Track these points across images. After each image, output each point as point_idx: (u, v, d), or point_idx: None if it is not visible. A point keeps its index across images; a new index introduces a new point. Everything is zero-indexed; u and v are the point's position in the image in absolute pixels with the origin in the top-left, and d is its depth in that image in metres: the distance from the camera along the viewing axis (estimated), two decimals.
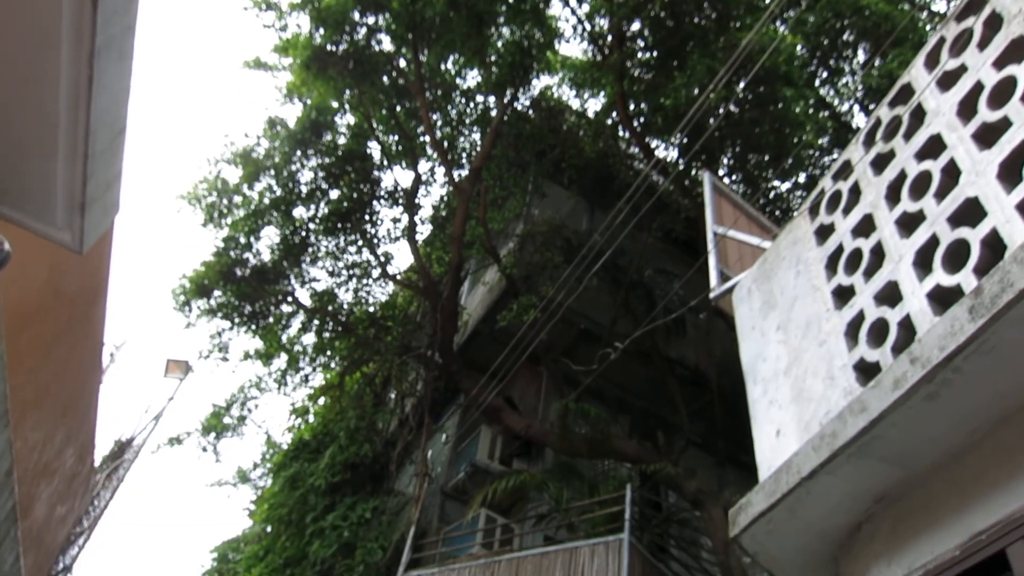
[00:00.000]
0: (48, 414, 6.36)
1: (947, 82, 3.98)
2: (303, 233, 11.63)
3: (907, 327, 3.57)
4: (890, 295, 3.79)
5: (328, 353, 12.79)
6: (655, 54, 11.72)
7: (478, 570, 7.83)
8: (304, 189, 12.28)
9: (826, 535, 3.82)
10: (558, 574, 7.23)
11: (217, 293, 11.45)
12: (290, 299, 11.98)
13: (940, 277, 3.46)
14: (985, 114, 3.60)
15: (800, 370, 4.22)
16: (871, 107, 11.72)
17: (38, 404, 5.93)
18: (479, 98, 13.21)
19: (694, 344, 13.67)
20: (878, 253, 4.01)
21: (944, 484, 3.31)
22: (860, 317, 3.93)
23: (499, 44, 12.17)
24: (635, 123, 12.23)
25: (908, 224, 3.87)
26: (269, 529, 12.90)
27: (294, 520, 10.52)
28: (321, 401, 14.50)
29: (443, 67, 12.77)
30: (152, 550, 49.17)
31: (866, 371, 3.72)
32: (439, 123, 13.01)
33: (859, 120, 13.51)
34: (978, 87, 3.72)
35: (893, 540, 3.47)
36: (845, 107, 13.87)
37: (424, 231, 13.36)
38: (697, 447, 12.80)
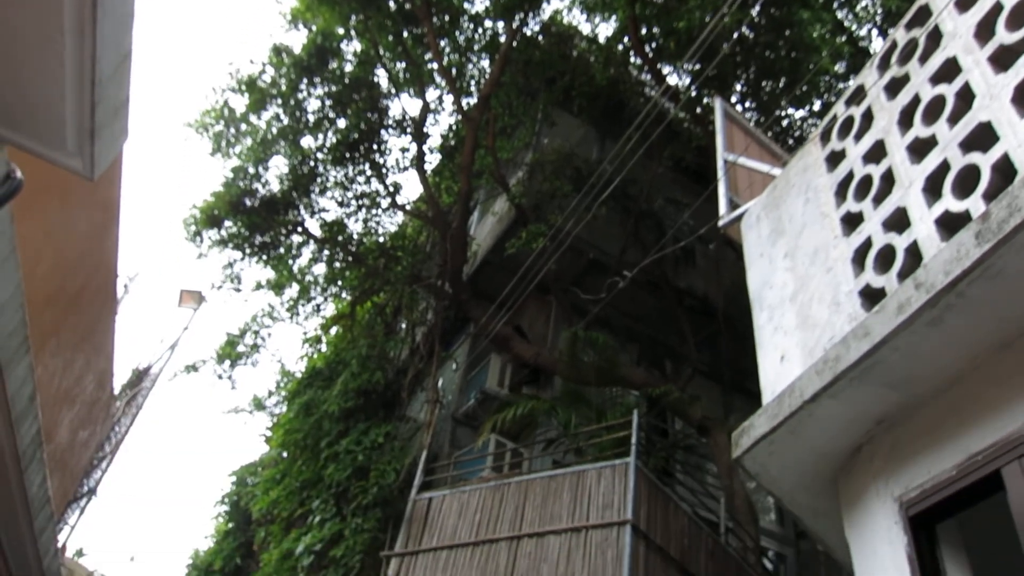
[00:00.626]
0: (66, 341, 6.49)
1: (965, 3, 3.89)
2: (311, 163, 11.57)
3: (914, 253, 3.58)
4: (898, 221, 3.79)
5: (339, 283, 12.89)
6: None
7: (488, 492, 8.07)
8: (311, 118, 12.16)
9: (826, 456, 3.92)
10: (566, 496, 7.46)
11: (228, 223, 11.51)
12: (300, 229, 12.02)
13: (949, 203, 3.46)
14: (1003, 36, 3.52)
15: (806, 296, 4.25)
16: (889, 31, 11.40)
17: (56, 332, 6.05)
18: (487, 23, 12.91)
19: (703, 274, 13.69)
20: (888, 179, 3.99)
21: (943, 407, 3.37)
22: (868, 243, 3.93)
23: None
24: (647, 48, 11.97)
25: (919, 150, 3.84)
26: (285, 454, 13.25)
27: (309, 445, 10.80)
28: (333, 331, 14.70)
29: None
30: (172, 475, 50.60)
31: (871, 297, 3.75)
32: (447, 50, 12.76)
33: (877, 45, 13.16)
34: (997, 8, 3.63)
35: (892, 461, 3.56)
36: (863, 31, 13.50)
37: (433, 161, 13.28)
38: (704, 376, 12.96)
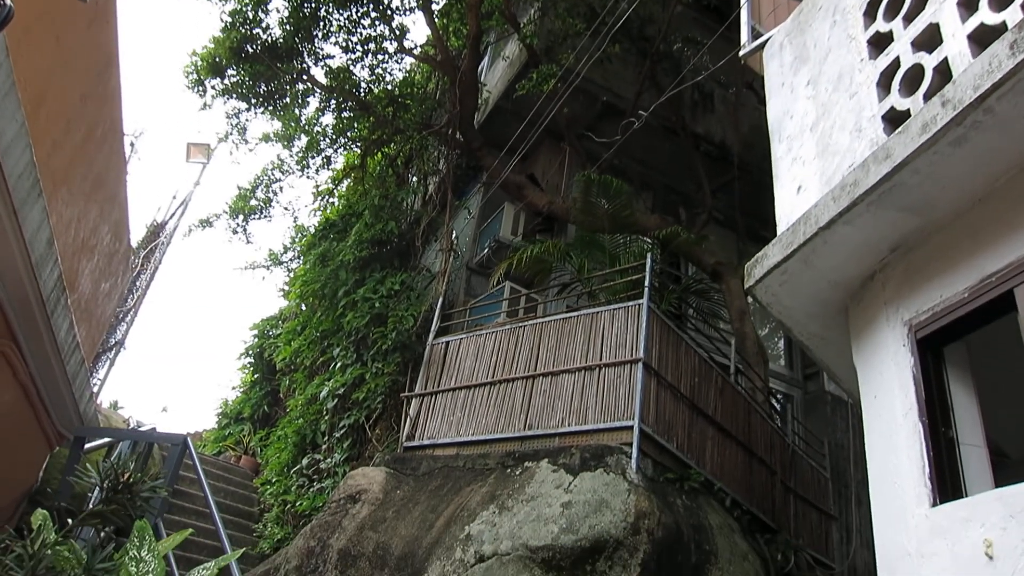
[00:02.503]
0: (78, 190, 6.49)
1: None
2: (313, 4, 11.05)
3: (943, 73, 3.43)
4: (929, 39, 3.61)
5: (348, 134, 12.67)
6: None
7: (504, 335, 8.27)
8: None
9: (838, 285, 3.94)
10: (579, 337, 7.63)
11: (231, 72, 11.18)
12: (305, 77, 11.67)
13: (985, 15, 3.27)
14: None
15: (827, 124, 4.13)
16: None
17: (66, 179, 6.04)
18: None
19: (721, 119, 13.32)
20: None
21: (959, 231, 3.34)
22: (895, 65, 3.77)
23: None
24: None
25: None
26: (304, 306, 13.56)
27: (327, 295, 11.01)
28: (344, 184, 14.63)
29: None
30: (196, 329, 52.16)
31: (895, 121, 3.63)
32: None
33: None
34: None
35: (904, 287, 3.57)
36: None
37: (439, 0, 12.64)
38: (718, 223, 12.91)
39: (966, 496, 3.02)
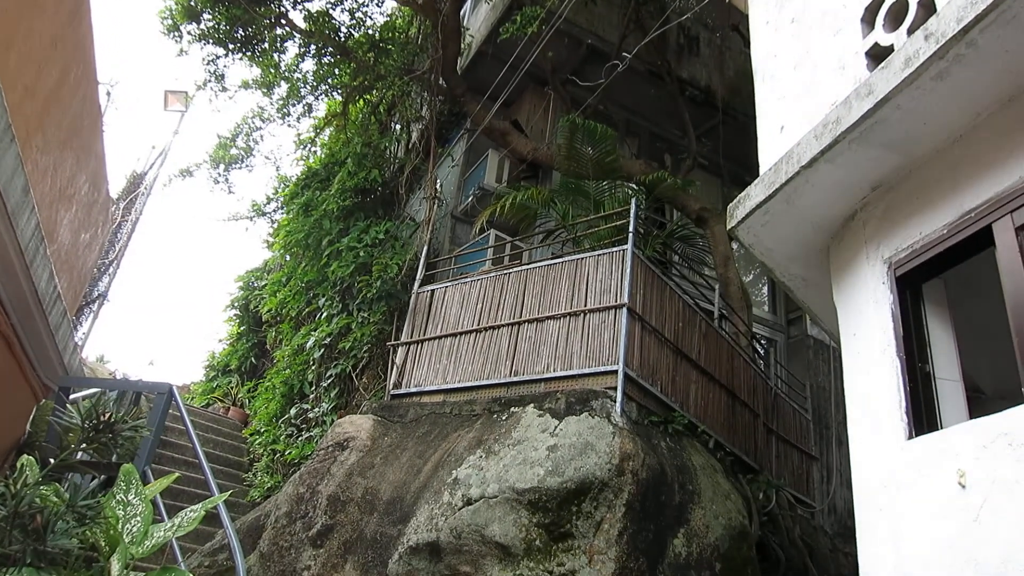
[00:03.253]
0: (53, 138, 6.36)
1: None
2: None
3: (927, 6, 3.38)
4: None
5: (329, 81, 12.43)
6: None
7: (489, 282, 8.27)
8: None
9: (819, 225, 3.95)
10: (564, 283, 7.65)
11: (206, 16, 10.88)
12: (283, 21, 11.38)
13: None
14: None
15: (811, 63, 4.09)
16: None
17: (41, 126, 5.91)
18: None
19: (706, 64, 13.17)
20: None
21: (940, 168, 3.34)
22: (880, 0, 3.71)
23: None
24: None
25: None
26: (288, 257, 13.48)
27: (311, 245, 10.94)
28: (327, 133, 14.42)
29: None
30: (180, 282, 51.78)
31: (878, 57, 3.60)
32: None
33: None
34: None
35: (884, 225, 3.58)
36: None
37: None
38: (703, 169, 12.87)
39: (941, 429, 3.08)
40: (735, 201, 4.09)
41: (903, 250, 3.41)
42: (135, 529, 3.00)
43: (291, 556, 6.51)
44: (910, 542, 2.89)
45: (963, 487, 2.70)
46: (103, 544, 2.88)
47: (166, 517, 4.36)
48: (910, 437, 3.07)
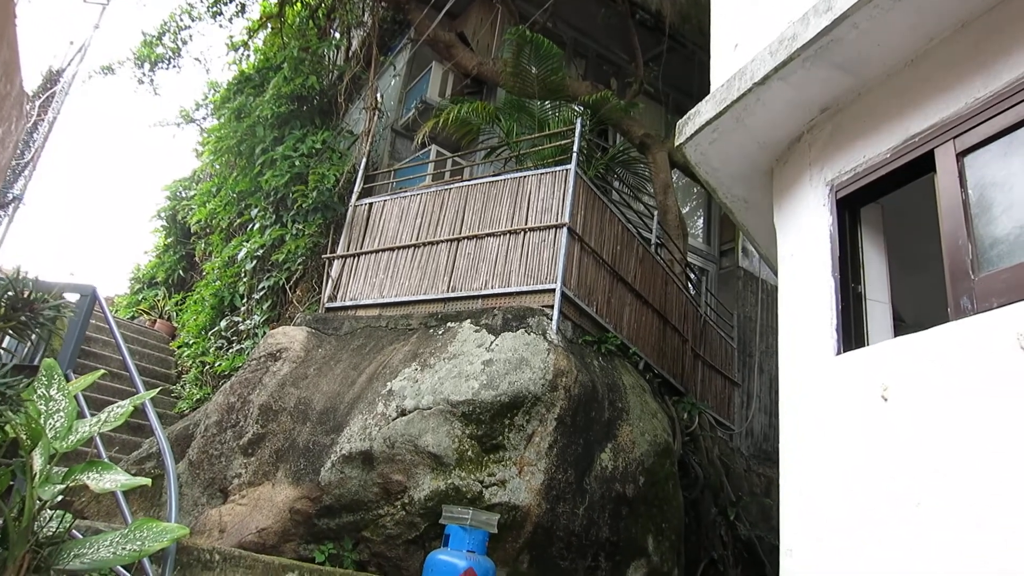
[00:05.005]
0: None
1: None
2: None
3: None
4: None
5: None
6: None
7: (429, 197, 8.14)
8: None
9: (766, 145, 3.97)
10: (505, 201, 7.58)
11: None
12: None
13: None
14: None
15: None
16: None
17: None
18: None
19: None
20: None
21: (888, 92, 3.37)
22: None
23: None
24: None
25: None
26: (219, 167, 12.95)
27: (243, 152, 10.50)
28: (261, 38, 13.72)
29: None
30: (103, 189, 49.23)
31: None
32: None
33: None
34: None
35: (829, 147, 3.62)
36: None
37: None
38: (648, 96, 12.80)
39: (869, 346, 3.20)
40: (684, 118, 4.07)
41: (846, 173, 3.46)
42: (58, 424, 2.90)
43: (221, 464, 6.47)
44: (833, 453, 3.03)
45: (885, 400, 2.82)
46: (24, 439, 2.77)
47: (88, 412, 4.24)
48: (839, 353, 3.18)
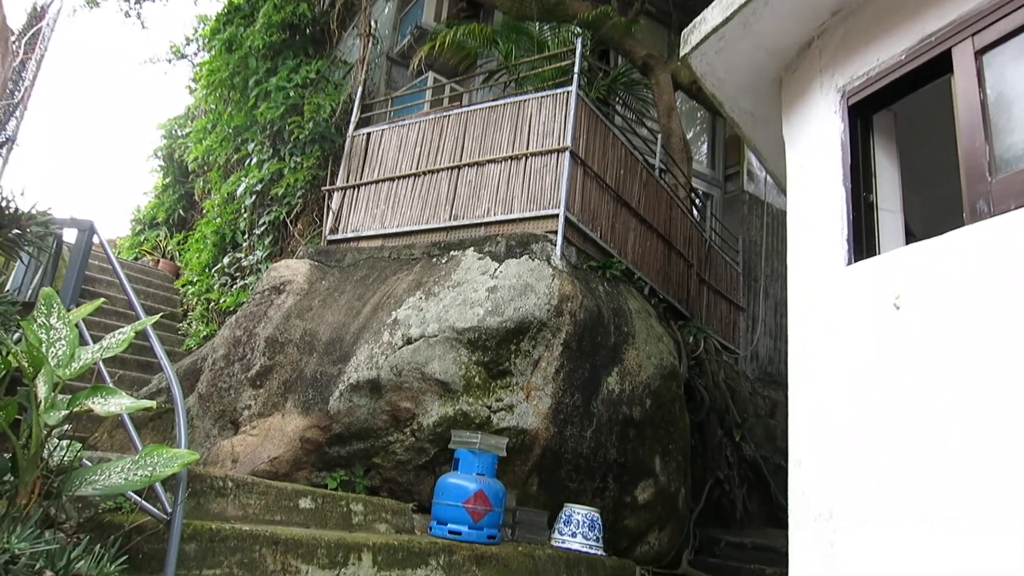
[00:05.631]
0: None
1: None
2: None
3: None
4: None
5: None
6: None
7: (428, 125, 7.98)
8: None
9: (775, 52, 3.83)
10: (506, 126, 7.42)
11: None
12: None
13: None
14: None
15: None
16: None
17: None
18: None
19: None
20: None
21: None
22: None
23: None
24: None
25: None
26: (214, 105, 12.71)
27: (236, 85, 10.26)
28: None
29: None
30: (99, 130, 48.30)
31: None
32: None
33: None
34: None
35: (841, 52, 3.48)
36: None
37: None
38: (650, 17, 12.43)
39: (879, 255, 3.13)
40: (690, 26, 3.91)
41: (858, 78, 3.34)
42: (60, 352, 2.87)
43: (231, 396, 6.51)
44: (843, 363, 3.00)
45: (897, 308, 2.77)
46: (27, 366, 2.75)
47: (90, 340, 4.23)
48: (849, 263, 3.12)
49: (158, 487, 3.25)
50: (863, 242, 3.15)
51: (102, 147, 46.43)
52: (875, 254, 3.15)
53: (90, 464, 3.28)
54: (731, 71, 4.00)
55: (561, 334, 5.99)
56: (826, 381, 3.07)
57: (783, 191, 5.19)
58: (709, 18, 3.73)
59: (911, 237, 5.02)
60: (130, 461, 3.05)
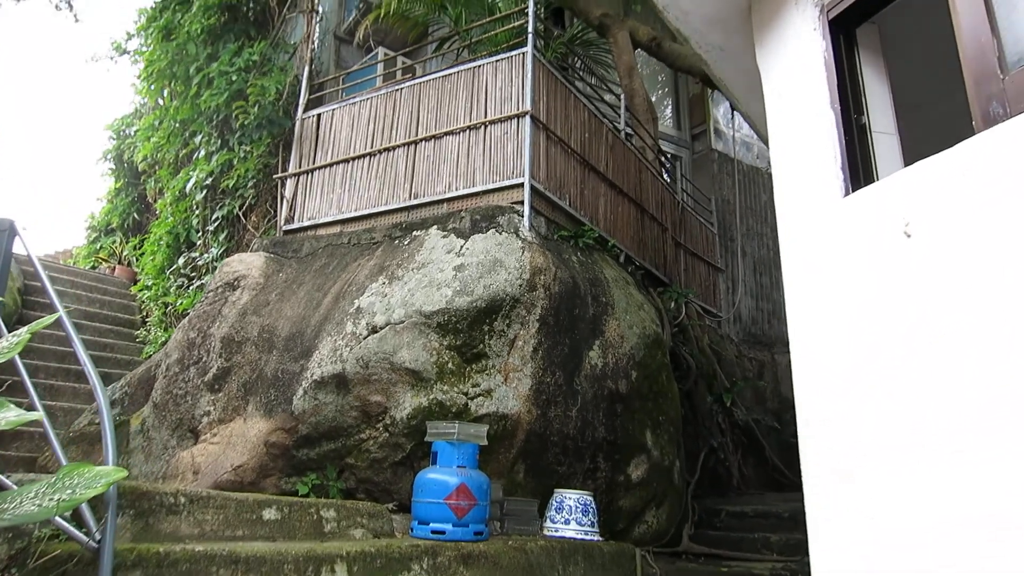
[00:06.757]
0: None
1: None
2: None
3: None
4: None
5: None
6: None
7: (380, 100, 7.53)
8: None
9: None
10: (461, 95, 7.00)
11: None
12: None
13: None
14: None
15: None
16: None
17: None
18: None
19: None
20: None
21: None
22: None
23: None
24: None
25: None
26: (161, 101, 12.12)
27: (178, 75, 9.68)
28: None
29: None
30: (46, 135, 45.91)
31: None
32: None
33: None
34: None
35: None
36: None
37: None
38: None
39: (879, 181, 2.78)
40: None
41: None
42: None
43: (187, 403, 6.08)
44: (849, 300, 2.65)
45: (908, 236, 2.43)
46: None
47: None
48: (847, 193, 2.77)
49: (84, 510, 2.85)
50: (859, 169, 2.80)
51: (50, 152, 44.51)
52: (873, 181, 2.80)
53: (15, 487, 2.88)
54: (696, 1, 3.61)
55: (536, 310, 5.63)
56: (829, 327, 2.72)
57: (757, 133, 4.84)
58: None
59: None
60: (46, 484, 2.64)
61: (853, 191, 2.75)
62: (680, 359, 8.23)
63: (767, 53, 3.42)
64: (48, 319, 2.69)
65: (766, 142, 5.25)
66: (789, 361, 3.01)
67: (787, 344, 3.00)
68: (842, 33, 3.00)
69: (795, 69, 3.14)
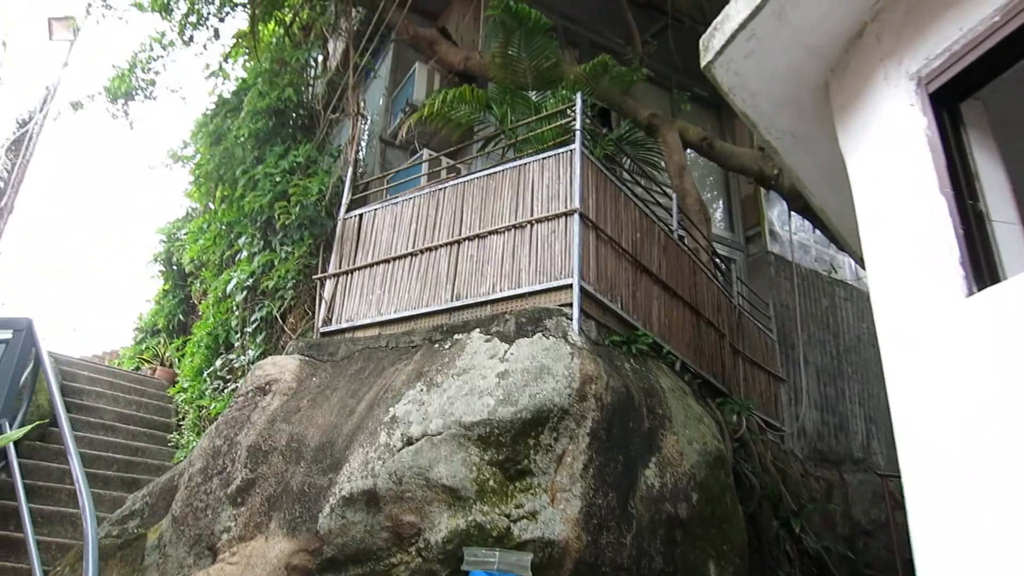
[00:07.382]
0: None
1: None
2: None
3: None
4: None
5: None
6: None
7: (423, 200, 7.32)
8: None
9: (817, 51, 3.10)
10: (506, 193, 6.74)
11: None
12: None
13: None
14: None
15: None
16: None
17: None
18: None
19: None
20: None
21: None
22: None
23: None
24: None
25: None
26: (212, 205, 12.28)
27: (224, 178, 9.74)
28: (240, 66, 13.07)
29: None
30: (98, 237, 46.99)
31: None
32: None
33: None
34: None
35: (906, 31, 2.74)
36: None
37: None
38: (650, 82, 11.97)
39: (1006, 280, 2.29)
40: (710, 29, 3.21)
41: (937, 57, 2.59)
42: None
43: (207, 517, 5.61)
44: (975, 415, 2.12)
45: None
46: None
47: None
48: (970, 293, 2.28)
49: None
50: (983, 265, 2.32)
51: (105, 254, 45.61)
52: (1000, 279, 2.32)
53: None
54: (765, 80, 3.26)
55: (587, 422, 5.10)
56: (956, 453, 2.18)
57: (826, 229, 4.40)
58: (733, 13, 3.02)
59: None
60: None
61: (978, 290, 2.27)
62: (742, 478, 7.51)
63: (851, 135, 3.02)
64: (14, 434, 2.32)
65: (835, 240, 4.79)
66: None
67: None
68: (945, 108, 2.60)
69: (889, 151, 2.73)
